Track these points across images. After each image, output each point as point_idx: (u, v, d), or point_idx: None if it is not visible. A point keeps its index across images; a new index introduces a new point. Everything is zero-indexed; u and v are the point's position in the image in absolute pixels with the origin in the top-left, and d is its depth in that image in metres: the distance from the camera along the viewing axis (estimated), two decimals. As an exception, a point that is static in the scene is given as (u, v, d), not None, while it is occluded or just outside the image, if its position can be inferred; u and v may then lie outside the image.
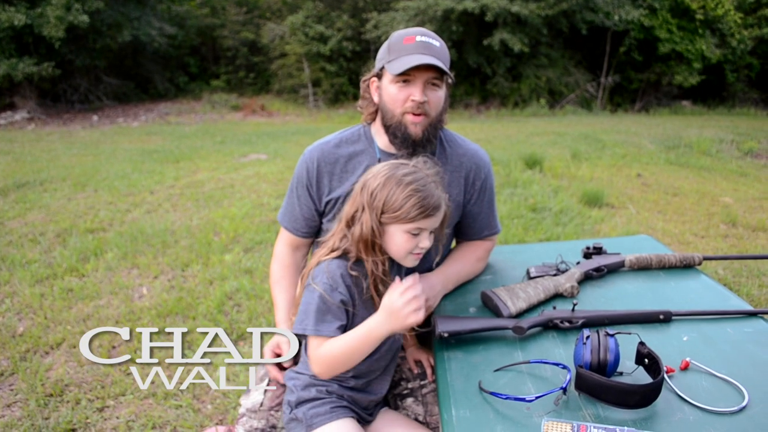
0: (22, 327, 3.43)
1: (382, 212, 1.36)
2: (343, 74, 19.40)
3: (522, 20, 16.95)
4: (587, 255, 1.90)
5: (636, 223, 5.55)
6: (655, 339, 1.42)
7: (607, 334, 1.25)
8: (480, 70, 18.42)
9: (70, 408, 2.66)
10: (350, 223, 1.43)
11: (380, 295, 1.38)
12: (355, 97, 18.07)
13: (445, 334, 1.46)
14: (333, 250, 1.44)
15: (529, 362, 1.36)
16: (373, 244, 1.39)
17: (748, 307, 1.60)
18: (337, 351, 1.34)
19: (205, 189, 7.01)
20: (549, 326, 1.52)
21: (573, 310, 1.53)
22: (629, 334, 1.32)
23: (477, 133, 12.65)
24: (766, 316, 1.56)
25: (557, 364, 1.31)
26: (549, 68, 18.88)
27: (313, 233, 1.86)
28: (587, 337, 1.25)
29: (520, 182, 7.05)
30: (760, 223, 5.55)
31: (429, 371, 1.72)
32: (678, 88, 19.57)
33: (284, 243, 1.90)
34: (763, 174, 8.43)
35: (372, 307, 1.40)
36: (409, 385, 1.73)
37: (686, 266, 1.89)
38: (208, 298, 3.77)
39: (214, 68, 21.94)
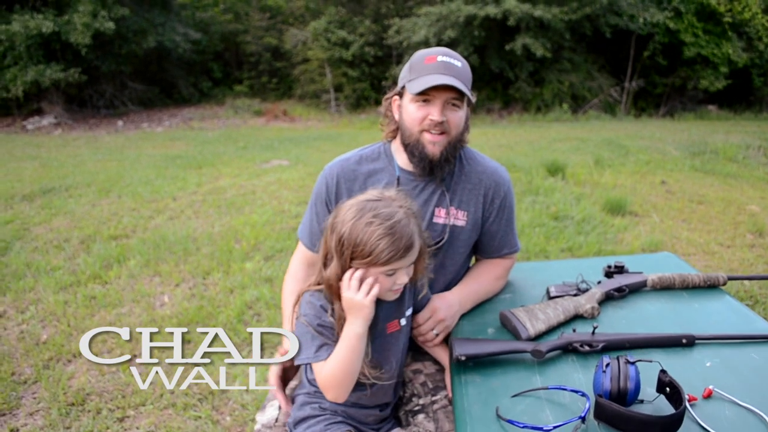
0: (45, 335, 3.49)
1: (352, 258, 1.33)
2: (365, 79, 19.47)
3: (545, 25, 16.83)
4: (608, 274, 1.87)
5: (660, 232, 5.47)
6: (678, 364, 1.39)
7: (628, 362, 1.23)
8: (502, 74, 18.33)
9: (91, 417, 2.69)
10: (324, 265, 1.41)
11: None
12: (377, 102, 18.10)
13: (463, 357, 1.45)
14: (319, 283, 1.44)
15: (547, 388, 1.34)
16: (338, 290, 1.38)
17: (775, 332, 1.56)
18: (335, 367, 1.36)
19: (227, 195, 7.07)
20: (568, 350, 1.49)
21: (593, 333, 1.50)
22: (650, 361, 1.29)
23: (499, 139, 12.60)
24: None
25: (576, 391, 1.29)
26: (572, 73, 18.71)
27: None
28: (607, 365, 1.23)
29: (542, 189, 6.98)
30: (789, 234, 5.43)
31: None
32: (704, 93, 19.25)
33: (299, 259, 1.90)
34: (791, 182, 8.26)
35: None
36: (421, 401, 1.71)
37: (710, 286, 1.86)
38: (229, 307, 3.80)
39: (237, 73, 22.16)
